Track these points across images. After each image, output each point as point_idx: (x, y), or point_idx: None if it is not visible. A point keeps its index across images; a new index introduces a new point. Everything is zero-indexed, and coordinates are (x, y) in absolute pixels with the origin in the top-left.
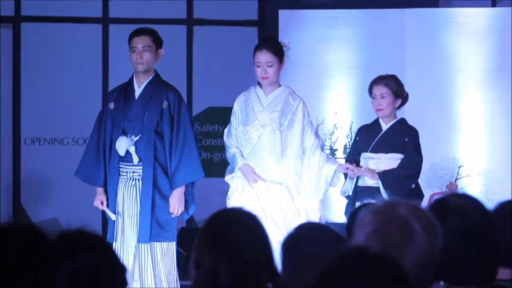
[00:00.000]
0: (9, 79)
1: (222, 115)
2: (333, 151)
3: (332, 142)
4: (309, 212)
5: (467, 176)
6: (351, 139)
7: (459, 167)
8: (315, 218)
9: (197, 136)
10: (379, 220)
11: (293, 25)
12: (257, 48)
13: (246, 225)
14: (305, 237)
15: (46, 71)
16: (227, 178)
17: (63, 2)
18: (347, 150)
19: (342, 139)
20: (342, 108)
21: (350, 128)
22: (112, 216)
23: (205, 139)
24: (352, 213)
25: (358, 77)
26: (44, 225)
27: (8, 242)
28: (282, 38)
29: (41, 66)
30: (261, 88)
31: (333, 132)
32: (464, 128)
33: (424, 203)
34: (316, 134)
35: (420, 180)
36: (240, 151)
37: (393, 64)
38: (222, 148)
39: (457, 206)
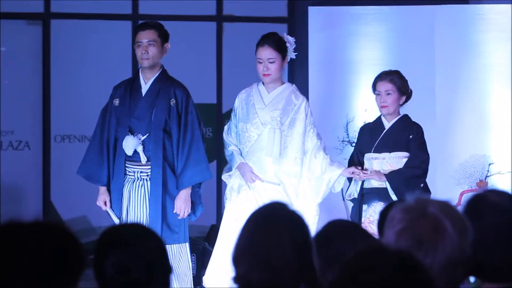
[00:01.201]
0: (38, 77)
1: None
2: None
3: None
4: (307, 215)
5: (498, 173)
6: None
7: (489, 164)
8: (313, 222)
9: (204, 136)
10: (410, 217)
11: (323, 22)
12: (259, 44)
13: (286, 230)
14: (336, 235)
15: (76, 68)
16: (224, 177)
17: None
18: None
19: None
20: (372, 105)
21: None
22: (115, 220)
23: None
24: (383, 211)
25: None
26: (74, 222)
27: (38, 240)
28: (313, 34)
29: (70, 63)
30: (263, 85)
31: None
32: (494, 126)
33: (454, 200)
34: (318, 136)
35: (450, 178)
36: (239, 149)
37: (423, 61)
38: None
39: (494, 202)
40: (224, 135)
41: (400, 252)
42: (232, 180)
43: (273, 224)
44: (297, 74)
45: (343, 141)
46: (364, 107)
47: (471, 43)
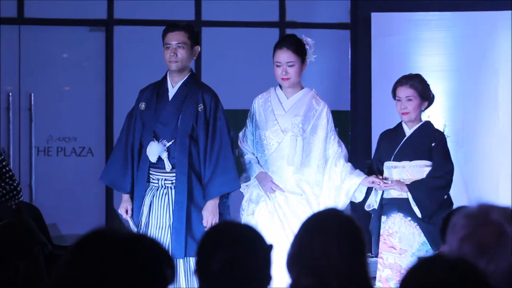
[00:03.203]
0: (101, 83)
1: None
2: None
3: None
4: None
5: None
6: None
7: None
8: None
9: (234, 143)
10: (473, 224)
11: (386, 28)
12: (277, 47)
13: (335, 236)
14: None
15: (139, 74)
16: (241, 187)
17: (155, 5)
18: None
19: None
20: (435, 112)
21: (443, 132)
22: (134, 229)
23: None
24: (445, 218)
25: (451, 81)
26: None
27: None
28: (375, 40)
29: (133, 69)
30: (281, 89)
31: None
32: None
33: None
34: (339, 142)
35: None
36: (256, 157)
37: (486, 67)
38: None
39: None
40: (239, 143)
41: (459, 261)
42: (250, 190)
43: (321, 230)
44: (360, 79)
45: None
46: (427, 113)
47: None
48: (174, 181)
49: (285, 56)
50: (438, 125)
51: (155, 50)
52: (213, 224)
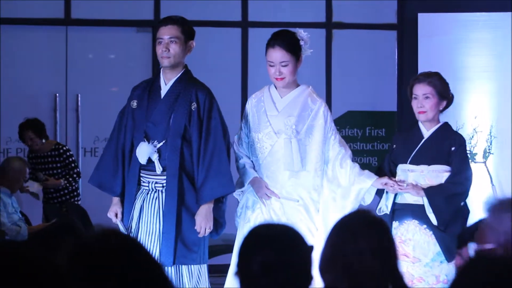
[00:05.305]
0: None
1: (361, 119)
2: (472, 155)
3: (471, 146)
4: (328, 229)
5: None
6: (490, 143)
7: None
8: None
9: (230, 145)
10: None
11: (433, 28)
12: (269, 45)
13: (365, 237)
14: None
15: None
16: (236, 193)
17: (201, 5)
18: (487, 155)
19: (482, 144)
20: (482, 112)
21: (490, 132)
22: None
23: None
24: (477, 222)
25: (498, 81)
26: None
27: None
28: (422, 41)
29: None
30: (276, 89)
31: (472, 136)
32: None
33: None
34: (342, 143)
35: None
36: (252, 162)
37: None
38: (361, 152)
39: None
40: (235, 146)
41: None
42: (245, 196)
43: (351, 232)
44: (406, 80)
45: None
46: (474, 114)
47: None
48: (164, 184)
49: (278, 55)
50: (485, 126)
51: (202, 50)
52: (206, 230)
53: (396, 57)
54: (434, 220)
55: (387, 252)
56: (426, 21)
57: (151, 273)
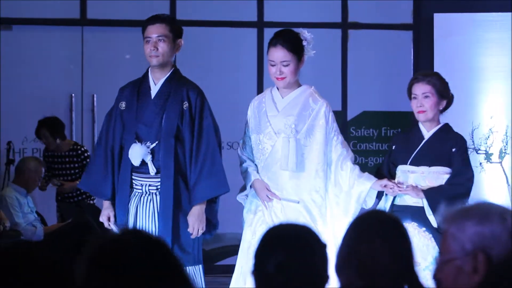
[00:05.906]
0: None
1: (377, 119)
2: (488, 156)
3: (487, 146)
4: (338, 235)
5: None
6: (506, 144)
7: None
8: None
9: (221, 144)
10: None
11: (449, 28)
12: (271, 44)
13: (381, 238)
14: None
15: (201, 75)
16: (240, 198)
17: (218, 6)
18: (503, 155)
19: (498, 144)
20: (498, 112)
21: (506, 133)
22: None
23: (360, 144)
24: None
25: None
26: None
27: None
28: (438, 41)
29: (195, 69)
30: (277, 89)
31: (488, 137)
32: None
33: None
34: (344, 144)
35: None
36: (255, 164)
37: None
38: (377, 152)
39: None
40: (239, 151)
41: None
42: (249, 200)
43: (367, 234)
44: None
45: (468, 148)
46: (490, 114)
47: None
48: (159, 186)
49: (279, 54)
50: (500, 126)
51: (217, 50)
52: (199, 231)
53: (412, 58)
54: (434, 222)
55: (403, 251)
56: (442, 21)
57: (171, 272)
